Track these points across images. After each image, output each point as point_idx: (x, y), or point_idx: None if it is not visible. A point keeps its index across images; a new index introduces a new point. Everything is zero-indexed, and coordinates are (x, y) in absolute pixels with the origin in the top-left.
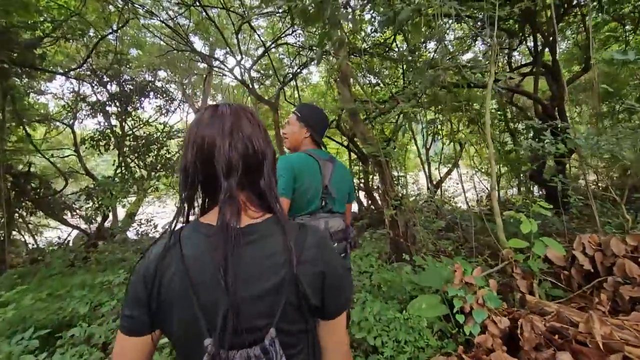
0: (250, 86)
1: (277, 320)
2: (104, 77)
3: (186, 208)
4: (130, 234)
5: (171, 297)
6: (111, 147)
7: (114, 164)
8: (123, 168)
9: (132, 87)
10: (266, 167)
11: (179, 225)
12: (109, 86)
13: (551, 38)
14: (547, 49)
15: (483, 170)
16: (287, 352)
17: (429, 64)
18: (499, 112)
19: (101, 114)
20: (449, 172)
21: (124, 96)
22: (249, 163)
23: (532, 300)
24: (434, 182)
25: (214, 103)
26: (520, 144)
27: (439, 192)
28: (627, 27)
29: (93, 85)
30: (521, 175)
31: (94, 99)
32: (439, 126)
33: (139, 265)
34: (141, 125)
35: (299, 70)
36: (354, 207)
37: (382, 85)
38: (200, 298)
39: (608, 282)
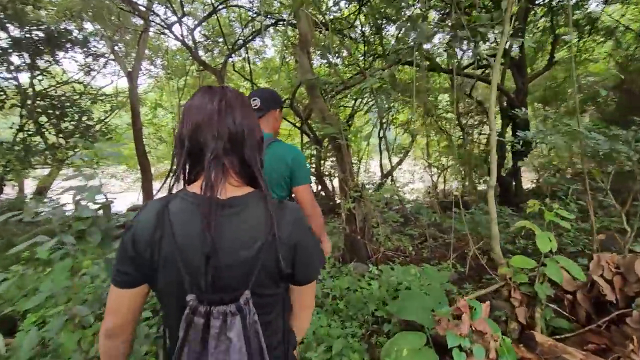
0: (194, 49)
1: (252, 284)
2: (2, 16)
3: (183, 175)
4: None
5: (160, 257)
6: (7, 106)
7: (12, 127)
8: (27, 133)
9: (42, 35)
10: (250, 140)
11: (165, 193)
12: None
13: (519, 33)
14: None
15: (434, 163)
16: (260, 311)
17: (424, 17)
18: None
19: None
20: (400, 162)
21: (31, 45)
22: (234, 133)
23: (545, 343)
24: (384, 172)
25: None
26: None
27: (389, 182)
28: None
29: None
30: (474, 169)
31: None
32: (394, 114)
33: (129, 225)
34: (56, 85)
35: (251, 38)
36: None
37: (340, 65)
38: (185, 260)
39: (634, 317)
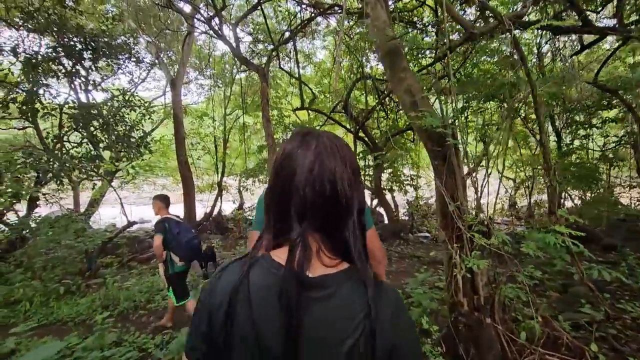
0: (235, 46)
1: None
2: (42, 22)
3: (271, 235)
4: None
5: (234, 335)
6: (40, 115)
7: (48, 138)
8: (71, 144)
9: (81, 39)
10: (350, 215)
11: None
12: (48, 37)
13: None
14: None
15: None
16: None
17: None
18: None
19: (41, 72)
20: (469, 174)
21: (73, 52)
22: (328, 207)
23: None
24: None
25: (305, 128)
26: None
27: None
28: None
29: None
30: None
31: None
32: (468, 116)
33: (205, 294)
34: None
35: (300, 28)
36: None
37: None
38: (262, 346)
39: None
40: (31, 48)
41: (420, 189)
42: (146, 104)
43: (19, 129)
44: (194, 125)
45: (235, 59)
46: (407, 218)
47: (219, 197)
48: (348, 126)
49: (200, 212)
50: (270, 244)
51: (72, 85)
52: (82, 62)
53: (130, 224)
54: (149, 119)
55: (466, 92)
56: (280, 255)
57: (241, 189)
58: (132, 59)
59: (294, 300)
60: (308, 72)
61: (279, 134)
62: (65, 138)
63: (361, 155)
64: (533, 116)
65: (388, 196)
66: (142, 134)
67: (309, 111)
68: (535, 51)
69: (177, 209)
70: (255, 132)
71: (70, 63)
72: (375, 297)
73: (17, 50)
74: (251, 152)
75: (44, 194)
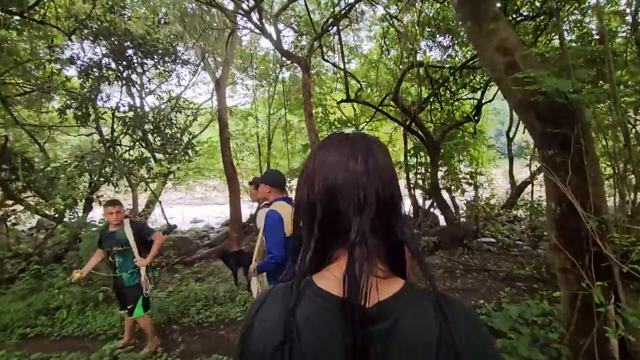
0: (276, 39)
1: None
2: (95, 28)
3: (312, 256)
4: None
5: None
6: (91, 119)
7: (100, 141)
8: (124, 148)
9: (129, 44)
10: (400, 211)
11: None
12: (99, 43)
13: None
14: None
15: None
16: None
17: None
18: None
19: (94, 78)
20: (539, 170)
21: (121, 56)
22: (384, 200)
23: None
24: (516, 184)
25: (336, 133)
26: None
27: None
28: None
29: (82, 40)
30: None
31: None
32: None
33: (244, 333)
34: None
35: (343, 13)
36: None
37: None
38: None
39: None
40: (86, 56)
41: (481, 187)
42: (192, 106)
43: (86, 135)
44: (239, 126)
45: (278, 54)
46: (464, 220)
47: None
48: (399, 119)
49: (247, 213)
50: (312, 266)
51: (129, 91)
52: (133, 66)
53: (171, 228)
54: (193, 120)
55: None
56: (325, 280)
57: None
58: (177, 62)
59: (356, 342)
60: (353, 66)
61: (324, 132)
62: (117, 142)
63: (412, 152)
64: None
65: (445, 196)
66: (189, 137)
67: (355, 105)
68: (630, 20)
69: (223, 210)
70: (300, 131)
71: (121, 68)
72: (451, 318)
73: (74, 58)
74: (296, 152)
75: (98, 197)
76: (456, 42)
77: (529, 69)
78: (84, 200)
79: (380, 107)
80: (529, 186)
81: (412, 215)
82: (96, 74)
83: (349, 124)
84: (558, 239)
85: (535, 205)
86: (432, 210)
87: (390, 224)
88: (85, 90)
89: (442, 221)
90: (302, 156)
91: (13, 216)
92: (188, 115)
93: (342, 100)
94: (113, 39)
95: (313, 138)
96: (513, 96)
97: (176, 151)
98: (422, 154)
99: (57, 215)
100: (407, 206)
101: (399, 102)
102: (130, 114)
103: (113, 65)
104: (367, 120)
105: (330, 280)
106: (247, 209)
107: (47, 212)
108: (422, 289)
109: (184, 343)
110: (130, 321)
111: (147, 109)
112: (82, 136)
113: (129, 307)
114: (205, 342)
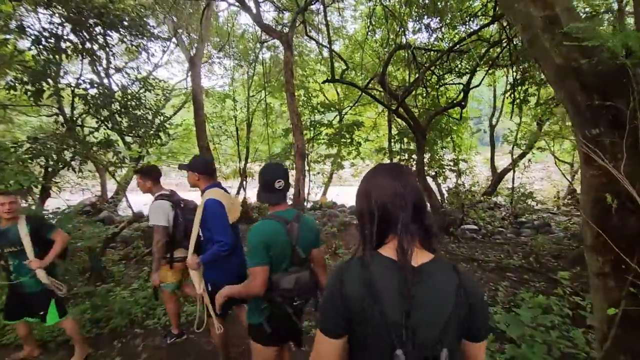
0: (255, 11)
1: (447, 343)
2: None
3: (374, 241)
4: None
5: (365, 314)
6: (45, 96)
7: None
8: (88, 129)
9: (90, 13)
10: (427, 210)
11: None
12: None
13: None
14: None
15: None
16: None
17: None
18: None
19: (49, 51)
20: (521, 157)
21: (80, 25)
22: (417, 204)
23: None
24: (497, 171)
25: (384, 163)
26: None
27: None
28: None
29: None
30: None
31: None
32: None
33: (336, 287)
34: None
35: None
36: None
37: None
38: (388, 318)
39: None
40: (40, 25)
41: (464, 174)
42: (163, 85)
43: (48, 116)
44: (217, 109)
45: (258, 31)
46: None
47: (243, 185)
48: (384, 103)
49: None
50: (374, 246)
51: (94, 67)
52: (95, 38)
53: (137, 217)
54: (166, 101)
55: None
56: (386, 251)
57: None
58: (146, 36)
59: (407, 284)
60: (337, 47)
61: (307, 115)
62: (79, 122)
63: (396, 137)
64: None
65: (430, 183)
66: (161, 119)
67: (339, 88)
68: None
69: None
70: (281, 115)
71: (80, 40)
72: (463, 277)
73: (24, 27)
74: (276, 136)
75: (56, 183)
76: (444, 24)
77: (574, 23)
78: (39, 187)
79: (366, 90)
80: (509, 173)
81: None
82: (52, 46)
83: (332, 108)
84: (596, 237)
85: (517, 192)
86: None
87: (421, 217)
88: (40, 63)
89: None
90: (283, 141)
91: None
92: (158, 95)
93: (327, 80)
94: (71, 4)
95: (295, 120)
96: (550, 61)
97: (147, 134)
98: (405, 139)
99: None
100: None
101: (385, 85)
102: (93, 91)
103: (72, 37)
104: (351, 104)
105: (389, 251)
106: None
107: None
108: (446, 261)
109: (146, 351)
110: (24, 328)
111: (114, 87)
112: (44, 117)
113: (41, 314)
114: (172, 348)
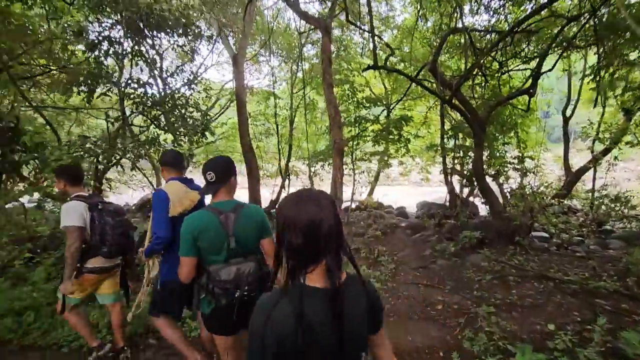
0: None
1: (364, 345)
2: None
3: (299, 272)
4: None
5: (297, 347)
6: (96, 96)
7: (110, 121)
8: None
9: (138, 15)
10: (341, 234)
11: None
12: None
13: None
14: None
15: None
16: None
17: None
18: None
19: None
20: (604, 154)
21: (131, 27)
22: (336, 232)
23: None
24: (573, 170)
25: (301, 190)
26: None
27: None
28: None
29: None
30: None
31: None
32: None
33: (263, 324)
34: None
35: None
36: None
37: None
38: (324, 348)
39: None
40: (94, 29)
41: (532, 174)
42: (208, 84)
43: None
44: (261, 107)
45: (299, 23)
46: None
47: (284, 183)
48: (437, 93)
49: (267, 198)
50: (300, 275)
51: (151, 71)
52: (143, 40)
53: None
54: (214, 100)
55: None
56: (314, 279)
57: (312, 174)
58: (189, 34)
59: (338, 307)
60: (385, 38)
61: (351, 112)
62: (129, 122)
63: (450, 133)
64: None
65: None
66: (207, 118)
67: (386, 81)
68: None
69: (241, 195)
70: (325, 112)
71: (131, 42)
72: (368, 286)
73: (82, 32)
74: (320, 133)
75: (107, 180)
76: (507, 1)
77: None
78: (92, 184)
79: (416, 79)
80: (587, 173)
81: (448, 204)
82: (105, 48)
83: (378, 103)
84: None
85: (600, 194)
86: (470, 199)
87: (339, 244)
88: (93, 66)
89: (481, 211)
90: (327, 139)
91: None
92: (201, 93)
93: (368, 67)
94: (119, 7)
95: (332, 112)
96: None
97: (193, 132)
98: (460, 135)
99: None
100: (443, 194)
101: (437, 74)
102: (140, 90)
103: (123, 40)
104: (399, 98)
105: (314, 279)
106: (268, 193)
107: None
108: (352, 274)
109: None
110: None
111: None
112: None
113: None
114: None
